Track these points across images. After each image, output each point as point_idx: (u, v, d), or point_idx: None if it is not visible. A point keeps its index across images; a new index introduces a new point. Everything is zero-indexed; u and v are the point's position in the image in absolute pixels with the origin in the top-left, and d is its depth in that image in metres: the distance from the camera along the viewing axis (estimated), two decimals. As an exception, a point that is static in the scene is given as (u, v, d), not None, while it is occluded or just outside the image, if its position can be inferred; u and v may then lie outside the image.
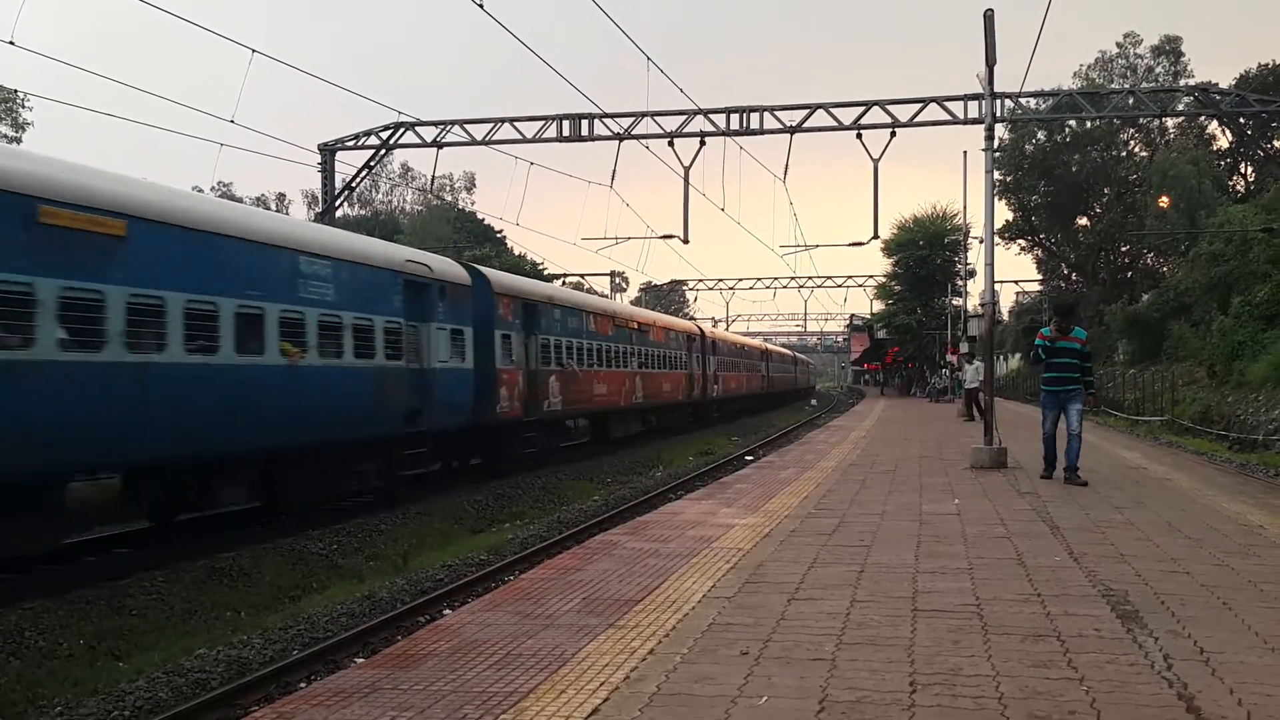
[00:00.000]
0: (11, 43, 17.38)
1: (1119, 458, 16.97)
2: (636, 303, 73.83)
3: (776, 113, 31.36)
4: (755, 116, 31.40)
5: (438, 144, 33.35)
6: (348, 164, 34.89)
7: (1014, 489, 12.35)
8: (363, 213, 75.53)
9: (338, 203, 35.28)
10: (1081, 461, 12.96)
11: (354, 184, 36.51)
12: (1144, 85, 46.20)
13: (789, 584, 6.96)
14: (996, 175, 20.75)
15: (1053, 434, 13.22)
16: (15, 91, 45.86)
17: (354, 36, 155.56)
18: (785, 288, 79.42)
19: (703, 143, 31.17)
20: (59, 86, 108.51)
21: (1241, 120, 35.30)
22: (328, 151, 34.00)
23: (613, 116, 31.58)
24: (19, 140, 45.80)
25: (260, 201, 77.82)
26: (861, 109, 30.90)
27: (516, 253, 62.17)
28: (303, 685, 7.57)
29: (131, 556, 12.64)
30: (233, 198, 69.48)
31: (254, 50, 21.40)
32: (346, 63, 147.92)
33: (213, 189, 69.11)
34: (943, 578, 7.07)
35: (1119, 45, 56.04)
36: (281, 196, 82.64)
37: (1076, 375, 13.08)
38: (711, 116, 31.29)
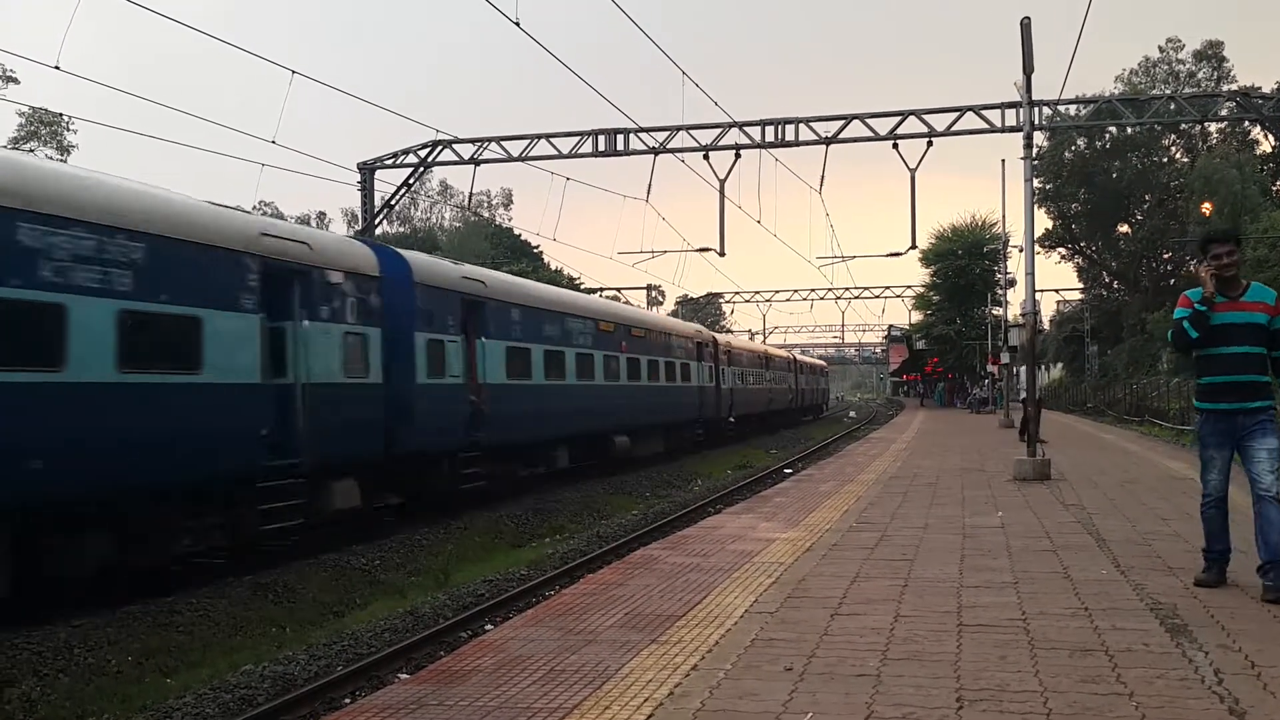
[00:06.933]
0: (57, 67, 17.72)
1: (1164, 468, 16.73)
2: (674, 314, 73.79)
3: (812, 124, 31.28)
4: (790, 128, 31.34)
5: (475, 161, 33.55)
6: (387, 182, 35.20)
7: (1058, 501, 12.22)
8: (402, 230, 75.98)
9: (377, 221, 35.56)
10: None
11: (393, 202, 36.79)
12: (1185, 91, 45.68)
13: (832, 599, 6.93)
14: (1035, 183, 20.58)
15: (1223, 494, 7.03)
16: (60, 115, 46.68)
17: (392, 56, 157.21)
18: (822, 299, 79.15)
19: (738, 155, 31.12)
20: (102, 109, 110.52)
21: (1285, 124, 34.72)
22: (367, 170, 34.30)
23: (648, 131, 31.62)
24: (64, 161, 46.50)
25: (302, 220, 78.51)
26: (897, 119, 30.74)
27: (553, 267, 62.33)
28: (348, 701, 7.63)
29: (177, 574, 12.79)
30: (279, 216, 70.17)
31: (294, 71, 21.67)
32: (385, 82, 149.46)
33: (255, 208, 69.96)
34: (987, 592, 7.02)
35: (1160, 50, 55.50)
36: (322, 215, 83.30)
37: (1265, 380, 6.88)
38: (747, 129, 31.26)
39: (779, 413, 50.28)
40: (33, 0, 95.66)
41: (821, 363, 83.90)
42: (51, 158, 45.96)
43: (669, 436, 30.62)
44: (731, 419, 37.55)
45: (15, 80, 45.21)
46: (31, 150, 44.94)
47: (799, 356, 64.03)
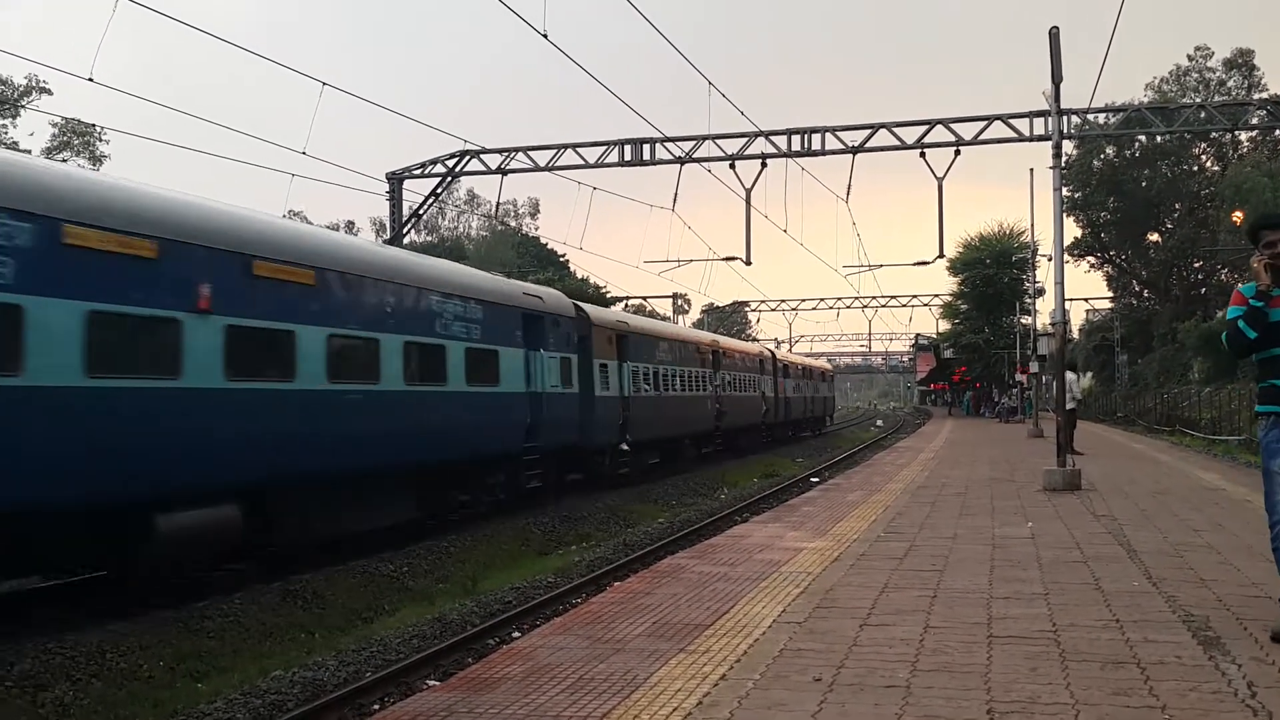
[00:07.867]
0: (90, 79, 17.92)
1: (1196, 479, 16.57)
2: (699, 324, 73.85)
3: (838, 133, 31.20)
4: (816, 137, 31.27)
5: (502, 171, 33.68)
6: (415, 192, 35.31)
7: (1089, 511, 12.13)
8: (430, 239, 76.39)
9: (405, 230, 35.75)
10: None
11: (421, 211, 36.96)
12: (1216, 99, 45.35)
13: (860, 609, 6.92)
14: (1064, 191, 20.42)
15: None
16: (93, 126, 47.39)
17: (420, 67, 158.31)
18: (849, 308, 79.08)
19: (764, 164, 31.11)
20: (134, 118, 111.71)
21: (1317, 132, 34.39)
22: (395, 180, 34.48)
23: (674, 140, 31.64)
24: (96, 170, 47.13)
25: (331, 229, 78.98)
26: (924, 128, 30.63)
27: (579, 276, 62.52)
28: (377, 708, 7.68)
29: (208, 578, 12.88)
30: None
31: (324, 83, 21.80)
32: (414, 94, 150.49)
33: (285, 217, 70.50)
34: (1018, 603, 6.98)
35: (1190, 58, 55.16)
36: (351, 224, 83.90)
37: None
38: (773, 138, 31.23)
39: (742, 431, 36.55)
40: (64, 8, 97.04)
41: (824, 365, 66.84)
42: (83, 167, 46.58)
43: (451, 487, 16.95)
44: (626, 445, 24.25)
45: (48, 91, 45.86)
46: (65, 160, 45.52)
47: (783, 355, 50.80)
